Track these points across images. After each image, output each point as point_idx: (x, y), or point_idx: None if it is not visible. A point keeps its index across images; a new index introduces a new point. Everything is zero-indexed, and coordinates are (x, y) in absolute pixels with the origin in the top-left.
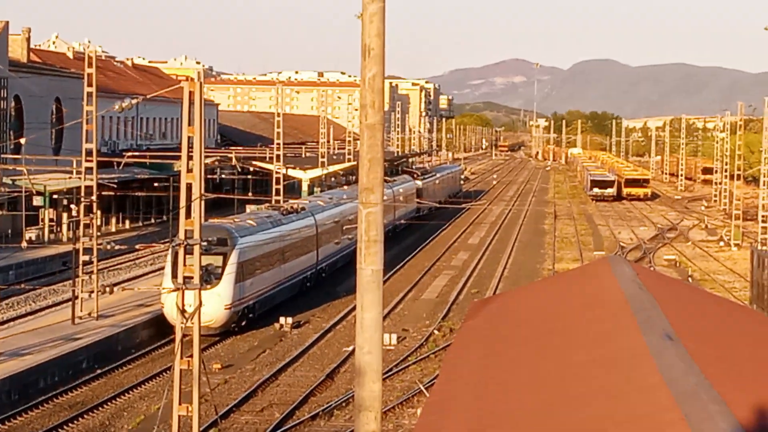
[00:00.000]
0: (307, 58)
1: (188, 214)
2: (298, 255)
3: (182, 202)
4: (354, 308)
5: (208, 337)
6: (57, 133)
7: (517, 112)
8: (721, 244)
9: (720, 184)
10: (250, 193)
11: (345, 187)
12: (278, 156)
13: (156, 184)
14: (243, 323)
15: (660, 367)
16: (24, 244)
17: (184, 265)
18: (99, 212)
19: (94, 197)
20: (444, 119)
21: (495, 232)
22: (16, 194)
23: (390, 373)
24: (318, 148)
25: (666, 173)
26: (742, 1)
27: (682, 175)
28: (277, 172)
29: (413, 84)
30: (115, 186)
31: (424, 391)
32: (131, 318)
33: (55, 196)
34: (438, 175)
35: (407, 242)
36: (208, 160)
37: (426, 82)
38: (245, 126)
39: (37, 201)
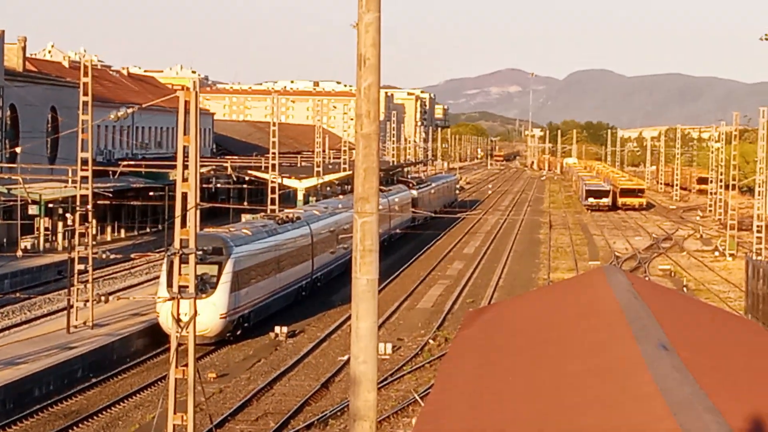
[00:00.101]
0: (302, 68)
1: (183, 224)
2: (294, 264)
3: (177, 212)
4: (349, 317)
5: (204, 346)
6: (52, 142)
7: (512, 121)
8: (716, 254)
9: (715, 194)
10: (245, 203)
11: (340, 196)
12: (274, 165)
13: (151, 194)
14: (238, 332)
15: (655, 376)
16: (19, 253)
17: (179, 274)
18: (94, 221)
19: (89, 206)
20: (439, 129)
21: (490, 242)
22: (11, 203)
23: (385, 383)
24: (313, 158)
25: (661, 183)
26: (738, 11)
27: (677, 185)
28: (272, 182)
29: (409, 94)
30: (111, 195)
31: (420, 400)
32: (126, 327)
33: (50, 205)
34: (433, 184)
35: (402, 252)
36: (204, 170)
37: (421, 92)
38: (241, 135)
39: (33, 210)
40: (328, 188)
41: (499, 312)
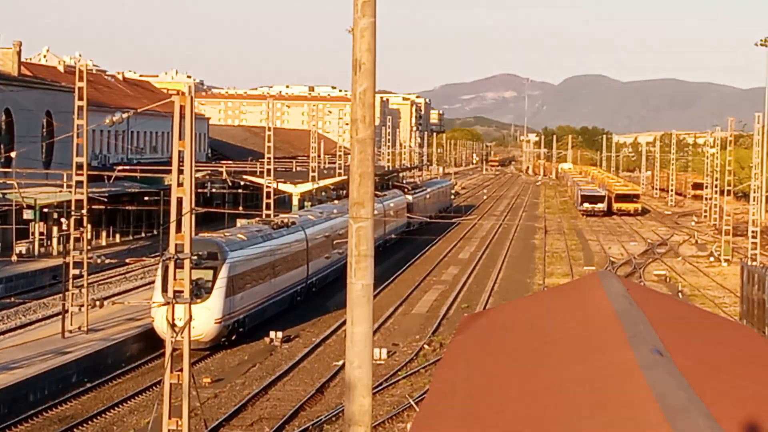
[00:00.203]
0: (298, 73)
1: (179, 228)
2: (289, 269)
3: (173, 216)
4: (344, 322)
5: (199, 351)
6: (47, 147)
7: (507, 127)
8: (711, 259)
9: (710, 199)
10: (240, 207)
11: (335, 201)
12: (269, 170)
13: (146, 198)
14: (233, 337)
15: (650, 382)
16: (14, 258)
17: (174, 279)
18: (89, 226)
19: (84, 211)
20: (435, 134)
21: (485, 247)
22: (6, 208)
23: (380, 388)
24: (309, 163)
25: (656, 188)
26: (733, 17)
27: (672, 191)
28: (267, 187)
29: (404, 99)
30: (106, 200)
31: (414, 405)
32: (121, 332)
33: (45, 210)
34: (428, 189)
35: (398, 257)
36: (199, 174)
37: (417, 97)
38: (236, 140)
39: (28, 214)
40: (323, 193)
41: (494, 317)
